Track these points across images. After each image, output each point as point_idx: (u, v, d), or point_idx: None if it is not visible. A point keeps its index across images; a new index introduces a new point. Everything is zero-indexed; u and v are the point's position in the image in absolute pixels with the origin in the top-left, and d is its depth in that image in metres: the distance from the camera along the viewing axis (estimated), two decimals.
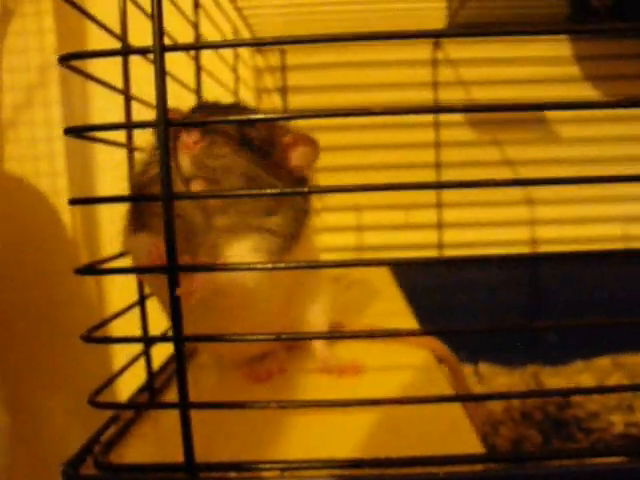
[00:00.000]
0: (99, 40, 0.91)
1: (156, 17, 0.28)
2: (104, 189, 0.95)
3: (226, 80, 0.81)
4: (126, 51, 0.36)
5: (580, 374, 0.91)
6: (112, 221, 0.95)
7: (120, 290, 0.95)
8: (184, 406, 0.27)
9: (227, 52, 0.86)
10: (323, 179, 0.47)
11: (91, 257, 0.96)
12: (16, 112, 0.95)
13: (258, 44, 0.80)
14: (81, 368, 0.97)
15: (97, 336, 0.32)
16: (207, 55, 0.73)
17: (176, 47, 0.32)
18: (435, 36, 0.84)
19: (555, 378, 0.90)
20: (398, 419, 0.36)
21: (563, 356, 0.93)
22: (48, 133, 0.95)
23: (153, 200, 0.32)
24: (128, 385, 0.55)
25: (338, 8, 0.79)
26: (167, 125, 0.29)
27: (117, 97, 0.94)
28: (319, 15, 0.81)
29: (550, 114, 0.94)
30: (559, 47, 0.93)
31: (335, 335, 0.52)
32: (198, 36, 0.64)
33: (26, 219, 0.94)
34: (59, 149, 0.95)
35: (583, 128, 0.93)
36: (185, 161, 0.39)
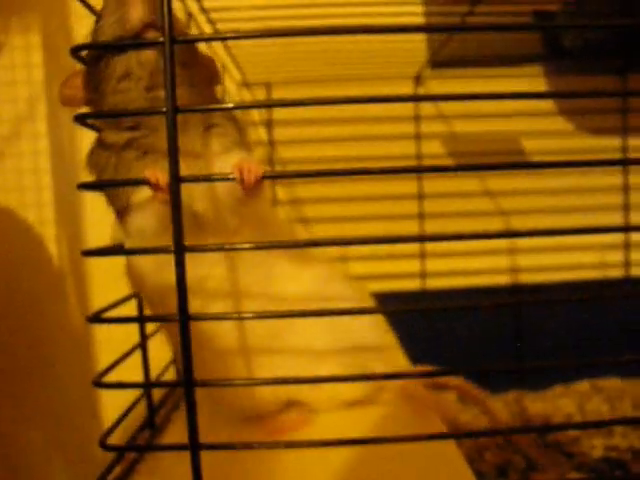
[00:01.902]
0: None
1: (166, 11, 0.29)
2: (92, 220, 0.95)
3: None
4: (138, 43, 0.36)
5: (560, 398, 0.93)
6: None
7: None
8: (195, 447, 0.28)
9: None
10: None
11: (77, 288, 0.97)
12: (3, 143, 0.96)
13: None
14: (63, 400, 0.97)
15: (108, 382, 0.33)
16: None
17: (186, 40, 0.33)
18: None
19: (537, 402, 0.93)
20: (395, 454, 0.37)
21: (544, 381, 0.95)
22: (35, 165, 0.95)
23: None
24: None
25: (321, 47, 0.82)
26: (175, 112, 0.30)
27: None
28: (302, 54, 0.83)
29: (528, 146, 0.97)
30: (535, 83, 0.97)
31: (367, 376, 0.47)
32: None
33: (12, 249, 0.95)
34: (46, 181, 0.96)
35: (559, 159, 0.97)
36: (137, 6, 0.37)
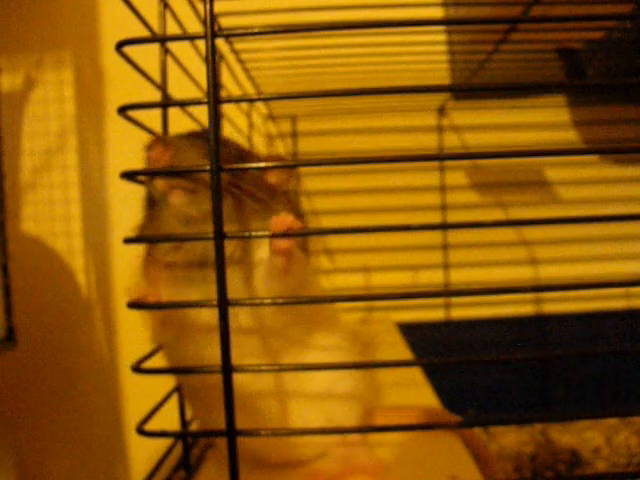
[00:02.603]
0: (115, 108, 0.96)
1: (210, 72, 0.30)
2: (120, 251, 0.97)
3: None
4: (181, 103, 0.38)
5: (588, 430, 0.92)
6: (126, 281, 0.97)
7: (132, 351, 0.96)
8: None
9: (242, 120, 0.90)
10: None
11: (105, 316, 0.98)
12: (34, 175, 0.98)
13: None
14: (89, 429, 0.98)
15: (150, 430, 0.34)
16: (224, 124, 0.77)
17: (230, 100, 0.34)
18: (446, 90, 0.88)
19: (564, 434, 0.91)
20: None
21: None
22: (65, 196, 0.98)
23: (204, 239, 0.32)
24: None
25: (346, 82, 0.83)
26: (219, 170, 0.31)
27: (134, 161, 0.98)
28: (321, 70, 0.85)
29: (551, 177, 0.98)
30: (558, 113, 0.97)
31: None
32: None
33: (42, 278, 0.97)
34: (75, 211, 0.98)
35: (582, 189, 0.97)
36: (161, 175, 0.40)
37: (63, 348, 0.97)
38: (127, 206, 0.97)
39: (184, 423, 0.41)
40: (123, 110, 0.34)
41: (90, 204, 0.98)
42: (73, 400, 0.98)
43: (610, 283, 0.35)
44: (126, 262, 0.98)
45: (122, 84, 0.96)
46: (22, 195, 0.97)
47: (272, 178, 0.45)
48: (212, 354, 0.34)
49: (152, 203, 0.43)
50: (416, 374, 0.68)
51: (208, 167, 0.30)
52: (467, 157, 0.44)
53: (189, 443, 0.42)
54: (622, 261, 0.98)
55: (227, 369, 0.29)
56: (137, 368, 0.34)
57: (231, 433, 0.29)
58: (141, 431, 0.34)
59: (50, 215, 0.98)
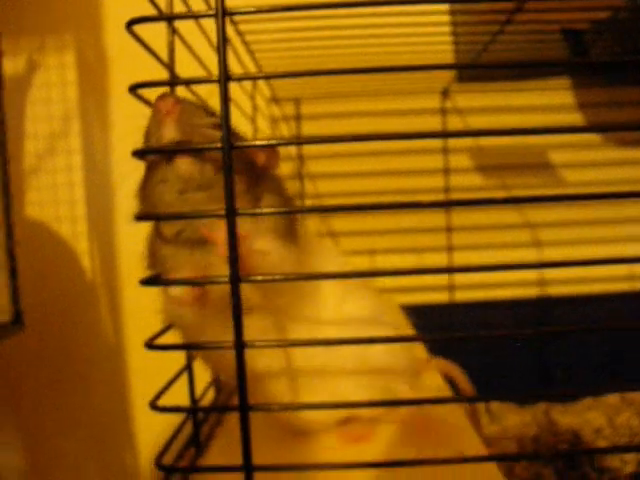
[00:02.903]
0: (119, 91, 0.96)
1: (221, 49, 0.30)
2: (124, 234, 0.97)
3: (245, 130, 0.85)
4: (191, 81, 0.38)
5: (590, 411, 0.93)
6: (130, 264, 0.98)
7: (138, 334, 0.97)
8: (249, 469, 0.30)
9: (245, 103, 0.90)
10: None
11: (110, 300, 0.99)
12: (38, 160, 0.99)
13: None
14: (96, 410, 0.99)
15: (163, 405, 0.34)
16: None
17: (240, 77, 0.35)
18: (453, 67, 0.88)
19: (566, 415, 0.92)
20: (436, 472, 0.38)
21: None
22: (69, 180, 0.98)
23: (216, 216, 0.33)
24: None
25: (349, 63, 0.83)
26: (230, 148, 0.31)
27: (138, 144, 0.98)
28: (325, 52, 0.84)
29: (554, 159, 0.98)
30: (562, 95, 0.97)
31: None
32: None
33: (47, 262, 0.97)
34: (79, 195, 0.98)
35: (586, 172, 0.97)
36: (169, 128, 0.40)
37: (69, 330, 0.98)
38: (131, 190, 0.97)
39: (193, 400, 0.42)
40: (134, 89, 0.34)
41: (94, 188, 0.98)
42: (80, 382, 0.99)
43: (609, 260, 0.35)
44: (130, 245, 0.99)
45: (125, 67, 0.96)
46: (26, 180, 0.98)
47: (260, 160, 0.45)
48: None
49: (154, 165, 0.43)
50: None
51: (219, 145, 0.31)
52: (469, 135, 0.44)
53: (199, 420, 0.42)
54: (625, 243, 0.98)
55: (239, 345, 0.29)
56: (150, 345, 0.34)
57: (244, 408, 0.29)
58: (154, 407, 0.34)
59: (54, 199, 0.98)
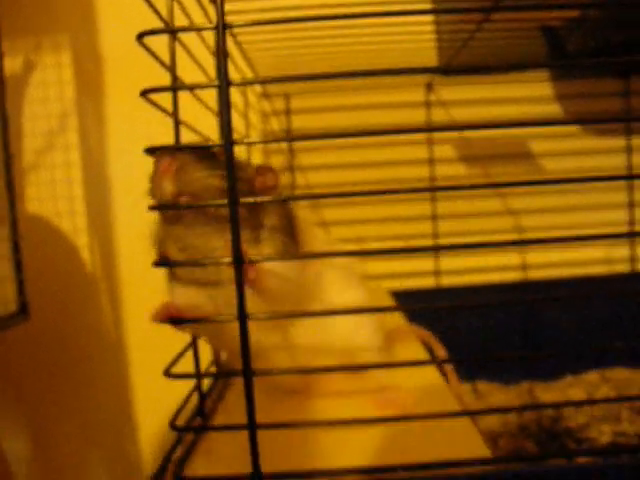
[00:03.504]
0: (115, 89, 0.99)
1: (221, 55, 0.34)
2: (123, 228, 1.01)
3: (237, 125, 0.89)
4: (194, 86, 0.41)
5: (571, 388, 0.97)
6: (129, 257, 1.01)
7: (138, 324, 1.01)
8: (253, 427, 0.34)
9: (237, 98, 0.94)
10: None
11: (110, 292, 1.02)
12: (37, 156, 1.02)
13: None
14: (97, 399, 1.03)
15: (177, 372, 0.38)
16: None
17: (241, 83, 0.38)
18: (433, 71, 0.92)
19: (548, 392, 0.97)
20: (417, 431, 0.43)
21: (554, 372, 1.00)
22: (67, 176, 1.01)
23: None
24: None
25: (337, 60, 0.87)
26: (231, 144, 0.34)
27: (134, 141, 1.02)
28: (319, 65, 0.88)
29: (535, 149, 1.02)
30: (541, 87, 1.02)
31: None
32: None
33: (48, 257, 1.00)
34: (78, 190, 1.01)
35: (565, 161, 1.02)
36: (168, 184, 0.44)
37: (71, 322, 1.01)
38: (128, 184, 1.01)
39: (199, 370, 0.46)
40: (145, 94, 0.38)
41: (92, 183, 1.01)
42: (82, 371, 1.02)
43: (588, 237, 0.39)
44: (129, 238, 1.02)
45: (119, 66, 0.99)
46: (25, 176, 1.01)
47: (260, 183, 0.49)
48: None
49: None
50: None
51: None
52: (453, 129, 0.48)
53: (204, 393, 0.46)
54: (603, 228, 1.02)
55: (242, 316, 0.33)
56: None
57: (247, 373, 0.33)
58: (168, 374, 0.38)
59: (53, 195, 1.01)
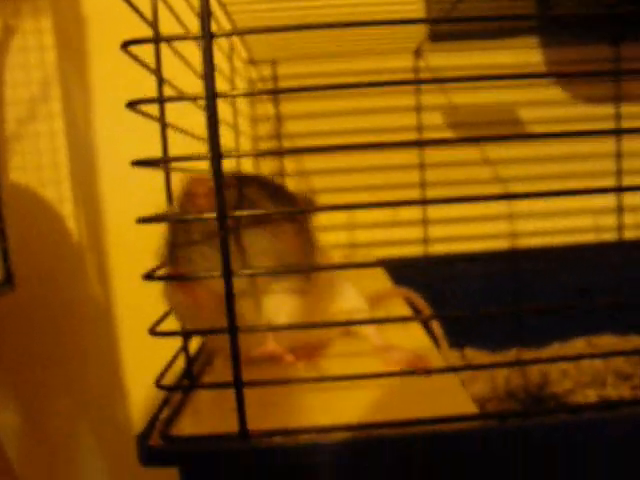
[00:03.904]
0: (98, 53, 0.97)
1: (205, 6, 0.33)
2: (109, 196, 1.00)
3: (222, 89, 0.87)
4: (176, 37, 0.39)
5: (557, 354, 0.99)
6: (115, 225, 1.00)
7: (126, 293, 1.01)
8: (239, 385, 0.33)
9: (224, 64, 0.92)
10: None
11: (97, 261, 1.01)
12: (20, 125, 1.00)
13: None
14: (86, 369, 1.03)
15: (162, 330, 0.38)
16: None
17: (224, 34, 0.37)
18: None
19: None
20: (405, 391, 0.43)
21: (542, 339, 1.01)
22: (52, 144, 1.00)
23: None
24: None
25: (319, 12, 0.85)
26: (214, 96, 0.34)
27: (119, 107, 1.00)
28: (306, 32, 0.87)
29: (524, 116, 1.02)
30: (531, 54, 1.01)
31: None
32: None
33: (33, 226, 0.99)
34: (63, 159, 1.00)
35: (554, 128, 1.01)
36: (205, 204, 0.44)
37: (58, 291, 1.01)
38: (113, 152, 0.99)
39: (185, 332, 0.45)
40: (125, 46, 0.37)
41: (77, 151, 1.00)
42: (71, 341, 1.02)
43: (576, 191, 0.39)
44: (115, 206, 1.01)
45: (101, 28, 0.97)
46: (9, 145, 0.99)
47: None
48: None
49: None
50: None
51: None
52: (437, 82, 0.47)
53: (191, 356, 0.46)
54: (591, 195, 1.02)
55: (227, 274, 0.33)
56: (149, 275, 0.37)
57: (233, 330, 0.33)
58: (154, 332, 0.38)
59: (38, 164, 1.00)
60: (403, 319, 0.50)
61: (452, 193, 1.00)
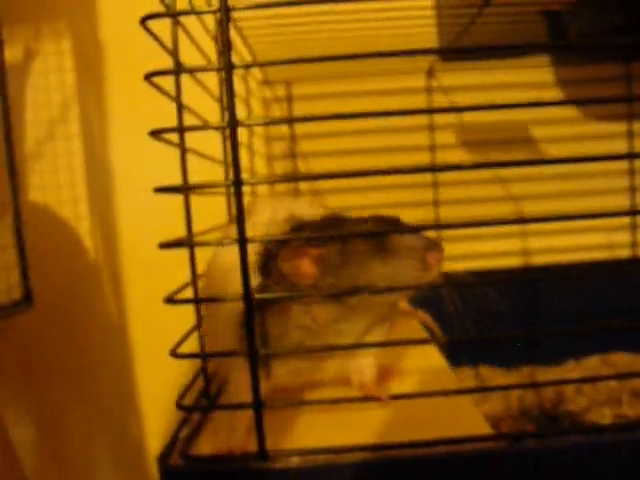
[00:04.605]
0: (116, 76, 0.99)
1: (225, 37, 0.34)
2: (125, 215, 1.01)
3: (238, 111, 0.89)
4: (197, 69, 0.40)
5: (572, 373, 0.98)
6: (131, 243, 1.02)
7: (140, 309, 1.02)
8: (258, 406, 0.34)
9: (239, 86, 0.94)
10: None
11: (112, 278, 1.03)
12: (39, 145, 1.02)
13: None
14: (101, 385, 1.04)
15: (183, 353, 0.39)
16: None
17: (244, 65, 0.38)
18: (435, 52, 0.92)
19: (548, 376, 0.98)
20: (419, 412, 0.43)
21: (556, 357, 1.00)
22: (69, 164, 1.01)
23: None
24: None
25: (338, 48, 0.86)
26: (234, 125, 0.35)
27: (135, 128, 1.02)
28: (321, 52, 0.88)
29: (537, 134, 1.02)
30: (543, 72, 1.01)
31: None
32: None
33: (51, 244, 1.01)
34: (80, 179, 1.02)
35: (566, 146, 1.01)
36: (311, 268, 0.45)
37: (75, 309, 1.02)
38: (129, 172, 1.01)
39: (204, 354, 0.46)
40: (148, 77, 0.38)
41: (94, 171, 1.02)
42: (86, 357, 1.03)
43: (590, 215, 0.39)
44: (130, 225, 1.03)
45: (121, 53, 0.99)
46: (28, 165, 1.01)
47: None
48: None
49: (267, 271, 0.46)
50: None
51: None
52: (453, 110, 0.48)
53: (209, 377, 0.47)
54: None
55: (249, 298, 0.34)
56: (171, 300, 0.38)
57: (252, 352, 0.34)
58: (175, 354, 0.39)
59: (56, 183, 1.02)
60: (417, 341, 0.50)
61: (465, 211, 1.01)
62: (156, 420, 1.04)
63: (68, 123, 1.01)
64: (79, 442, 1.05)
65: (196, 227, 0.53)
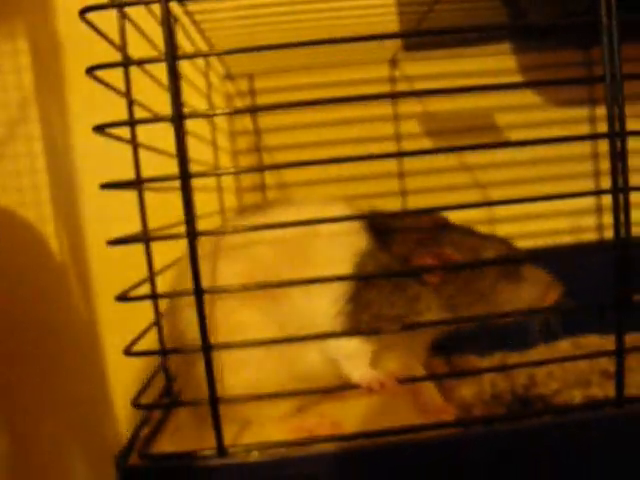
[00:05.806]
0: (75, 74, 0.97)
1: (167, 30, 0.33)
2: (89, 216, 1.00)
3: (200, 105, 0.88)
4: (142, 61, 0.40)
5: (543, 356, 0.99)
6: (97, 244, 1.00)
7: (109, 310, 1.00)
8: (214, 401, 0.34)
9: (200, 80, 0.93)
10: None
11: (80, 279, 1.01)
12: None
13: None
14: (72, 389, 1.02)
15: (137, 350, 0.38)
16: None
17: (187, 56, 0.38)
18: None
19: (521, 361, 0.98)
20: (385, 401, 0.43)
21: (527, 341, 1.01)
22: (31, 166, 0.99)
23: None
24: None
25: (301, 37, 0.86)
26: (180, 117, 0.34)
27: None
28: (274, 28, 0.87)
29: (501, 120, 1.03)
30: (504, 60, 1.02)
31: None
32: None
33: (14, 247, 0.99)
34: (43, 180, 1.00)
35: (530, 132, 1.02)
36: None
37: (43, 312, 1.00)
38: (93, 172, 0.99)
39: (163, 351, 0.45)
40: (90, 71, 0.37)
41: (56, 172, 1.00)
42: (56, 362, 1.01)
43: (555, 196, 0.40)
44: (96, 225, 1.01)
45: (77, 50, 0.97)
46: None
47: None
48: None
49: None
50: None
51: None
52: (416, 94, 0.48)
53: (170, 376, 0.46)
54: (569, 198, 1.03)
55: (199, 292, 0.33)
56: (124, 297, 0.38)
57: (206, 348, 0.33)
58: (128, 352, 0.38)
59: (18, 186, 1.00)
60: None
61: (432, 200, 1.01)
62: (131, 424, 1.03)
63: (28, 124, 0.99)
64: (52, 448, 1.04)
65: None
